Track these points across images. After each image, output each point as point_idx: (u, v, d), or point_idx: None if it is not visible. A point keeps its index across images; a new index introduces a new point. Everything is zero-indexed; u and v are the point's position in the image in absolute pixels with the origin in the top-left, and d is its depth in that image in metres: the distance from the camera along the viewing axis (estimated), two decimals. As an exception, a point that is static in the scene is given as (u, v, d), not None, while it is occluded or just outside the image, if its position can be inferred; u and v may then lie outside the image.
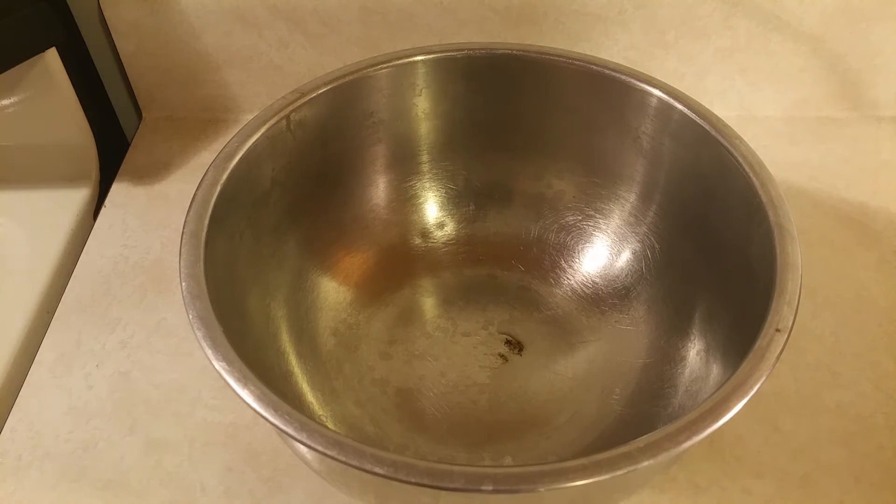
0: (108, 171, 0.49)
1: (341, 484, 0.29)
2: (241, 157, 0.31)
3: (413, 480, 0.22)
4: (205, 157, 0.50)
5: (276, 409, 0.23)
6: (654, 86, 0.34)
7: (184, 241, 0.28)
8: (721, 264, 0.33)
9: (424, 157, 0.40)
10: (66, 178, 0.48)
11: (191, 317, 0.26)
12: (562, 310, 0.39)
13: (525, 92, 0.38)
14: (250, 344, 0.30)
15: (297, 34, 0.48)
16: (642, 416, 0.34)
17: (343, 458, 0.22)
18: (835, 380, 0.37)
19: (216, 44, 0.49)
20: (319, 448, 0.22)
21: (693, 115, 0.33)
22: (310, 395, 0.34)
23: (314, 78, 0.35)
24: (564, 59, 0.36)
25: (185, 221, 0.29)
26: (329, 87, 0.35)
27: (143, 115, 0.53)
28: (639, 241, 0.38)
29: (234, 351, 0.25)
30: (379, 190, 0.40)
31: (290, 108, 0.34)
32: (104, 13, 0.47)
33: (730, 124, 0.32)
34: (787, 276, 0.26)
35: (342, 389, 0.36)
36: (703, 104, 0.33)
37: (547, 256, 0.41)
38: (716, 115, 0.33)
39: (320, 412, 0.34)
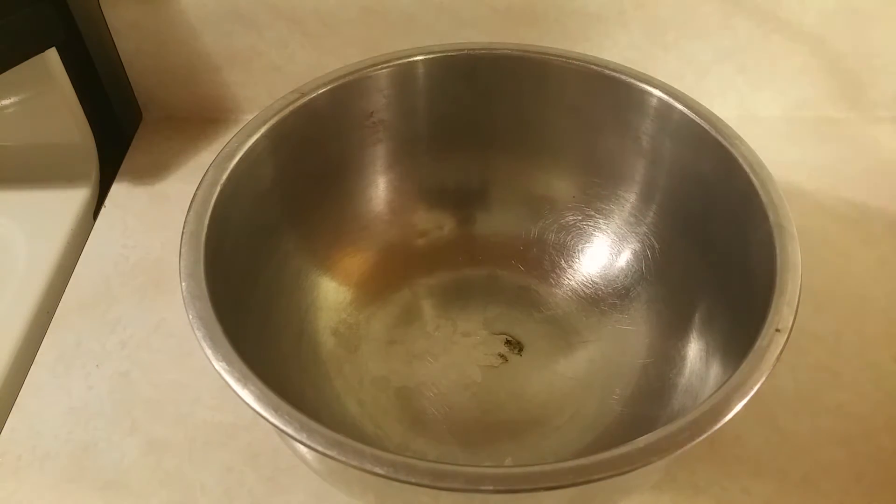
0: (108, 171, 0.49)
1: (341, 484, 0.29)
2: (241, 157, 0.32)
3: (413, 480, 0.22)
4: (205, 157, 0.50)
5: (276, 409, 0.23)
6: (654, 86, 0.34)
7: (184, 241, 0.28)
8: (721, 264, 0.33)
9: (424, 158, 0.40)
10: (66, 178, 0.48)
11: (191, 317, 0.26)
12: (562, 310, 0.39)
13: (525, 92, 0.38)
14: (250, 344, 0.30)
15: (297, 34, 0.48)
16: (642, 416, 0.34)
17: (343, 458, 0.22)
18: (835, 380, 0.37)
19: (216, 44, 0.49)
20: (319, 448, 0.22)
21: (693, 115, 0.33)
22: (310, 395, 0.34)
23: (314, 78, 0.35)
24: (565, 59, 0.36)
25: (185, 221, 0.29)
26: (329, 87, 0.35)
27: (143, 115, 0.53)
28: (639, 241, 0.38)
29: (234, 351, 0.25)
30: (379, 190, 0.40)
31: (291, 108, 0.34)
32: (104, 13, 0.47)
33: (730, 124, 0.32)
34: (787, 276, 0.27)
35: (342, 389, 0.36)
36: (703, 104, 0.33)
37: (547, 256, 0.41)
38: (716, 115, 0.33)
39: (320, 412, 0.34)
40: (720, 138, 0.32)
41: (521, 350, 0.38)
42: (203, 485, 0.34)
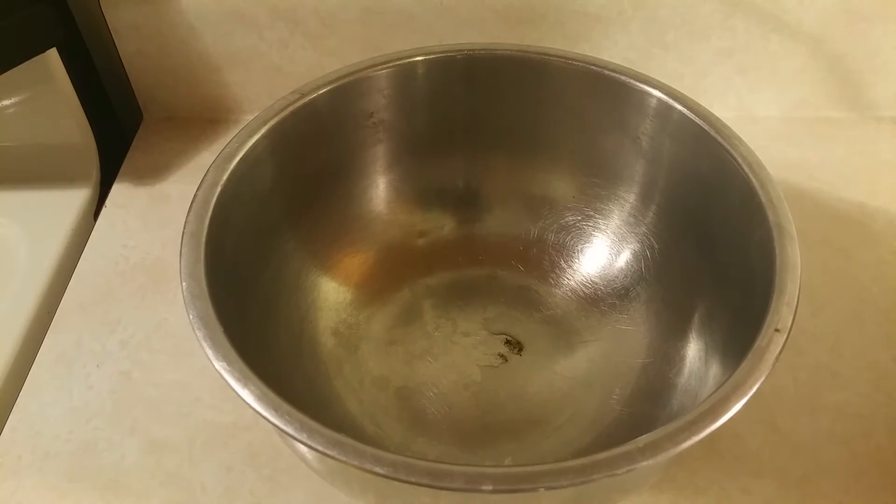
0: (109, 171, 0.49)
1: (341, 484, 0.29)
2: (241, 158, 0.32)
3: (413, 480, 0.22)
4: (205, 157, 0.50)
5: (276, 409, 0.23)
6: (654, 86, 0.34)
7: (184, 241, 0.28)
8: (720, 264, 0.33)
9: (424, 158, 0.40)
10: (66, 179, 0.48)
11: (191, 317, 0.26)
12: (561, 310, 0.39)
13: (525, 92, 0.38)
14: (250, 344, 0.30)
15: (297, 35, 0.48)
16: (642, 416, 0.34)
17: (343, 458, 0.22)
18: (834, 380, 0.37)
19: (216, 44, 0.49)
20: (319, 448, 0.22)
21: (692, 116, 0.33)
22: (310, 395, 0.34)
23: (314, 78, 0.35)
24: (564, 60, 0.36)
25: (185, 222, 0.29)
26: (329, 88, 0.35)
27: (144, 115, 0.53)
28: (638, 242, 0.38)
29: (234, 351, 0.25)
30: (379, 190, 0.40)
31: (291, 108, 0.34)
32: (104, 14, 0.47)
33: (729, 124, 0.32)
34: (787, 277, 0.27)
35: (342, 389, 0.36)
36: (703, 105, 0.33)
37: (547, 256, 0.41)
38: (715, 116, 0.33)
39: (320, 412, 0.34)
40: (719, 138, 0.32)
41: (520, 350, 0.38)
42: (203, 485, 0.34)
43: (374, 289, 0.40)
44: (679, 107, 0.34)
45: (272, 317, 0.34)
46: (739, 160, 0.31)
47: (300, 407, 0.23)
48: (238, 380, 0.24)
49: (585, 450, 0.33)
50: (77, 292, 0.42)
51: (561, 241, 0.41)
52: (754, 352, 0.24)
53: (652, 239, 0.37)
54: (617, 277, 0.39)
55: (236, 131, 0.32)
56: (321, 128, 0.36)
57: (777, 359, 0.24)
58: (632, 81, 0.35)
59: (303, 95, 0.34)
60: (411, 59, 0.37)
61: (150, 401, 0.37)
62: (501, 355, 0.38)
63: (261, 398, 0.24)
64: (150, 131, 0.53)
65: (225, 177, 0.31)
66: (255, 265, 0.34)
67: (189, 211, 0.29)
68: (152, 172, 0.49)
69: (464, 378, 0.37)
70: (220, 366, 0.24)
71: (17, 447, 0.35)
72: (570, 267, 0.40)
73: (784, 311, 0.25)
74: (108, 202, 0.47)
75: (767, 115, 0.52)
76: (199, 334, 0.25)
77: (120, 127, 0.54)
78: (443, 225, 0.42)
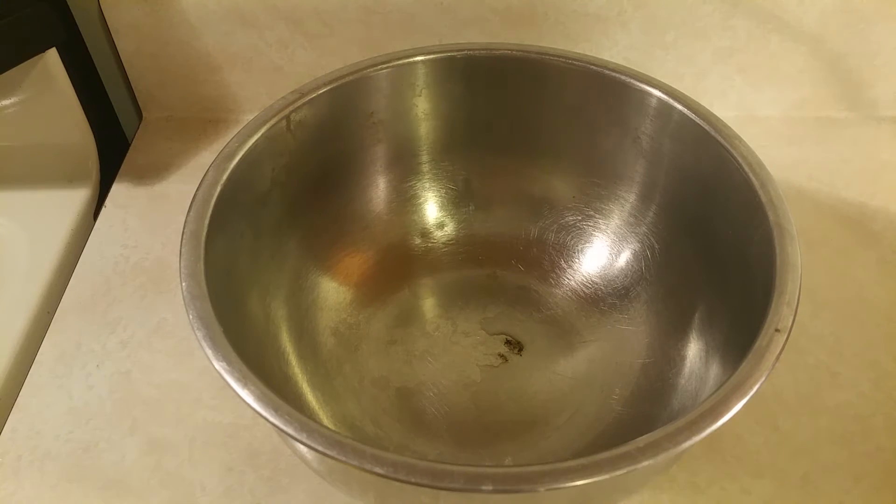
0: (109, 171, 0.49)
1: (341, 484, 0.29)
2: (241, 158, 0.32)
3: (413, 480, 0.22)
4: (205, 157, 0.50)
5: (276, 410, 0.23)
6: (654, 86, 0.34)
7: (184, 241, 0.28)
8: (721, 264, 0.33)
9: (424, 158, 0.40)
10: (66, 179, 0.48)
11: (191, 317, 0.26)
12: (561, 310, 0.39)
13: (525, 92, 0.38)
14: (250, 344, 0.30)
15: (297, 35, 0.48)
16: (642, 416, 0.34)
17: (343, 458, 0.22)
18: (834, 380, 0.37)
19: (216, 44, 0.49)
20: (319, 448, 0.22)
21: (693, 116, 0.33)
22: (310, 395, 0.34)
23: (314, 78, 0.35)
24: (564, 60, 0.36)
25: (185, 221, 0.29)
26: (329, 88, 0.35)
27: (144, 115, 0.53)
28: (638, 242, 0.38)
29: (234, 351, 0.25)
30: (379, 190, 0.40)
31: (290, 108, 0.34)
32: (104, 13, 0.47)
33: (729, 124, 0.32)
34: (787, 276, 0.27)
35: (342, 389, 0.36)
36: (703, 104, 0.33)
37: (547, 256, 0.41)
38: (715, 116, 0.33)
39: (320, 412, 0.34)
40: (720, 138, 0.32)
41: (520, 350, 0.38)
42: (203, 485, 0.34)
43: (374, 289, 0.40)
44: (679, 106, 0.34)
45: (272, 317, 0.34)
46: (740, 160, 0.31)
47: (300, 407, 0.23)
48: (238, 380, 0.24)
49: (586, 450, 0.33)
50: (77, 292, 0.42)
51: (561, 241, 0.41)
52: (755, 352, 0.24)
53: (652, 239, 0.37)
54: (617, 277, 0.39)
55: (236, 131, 0.32)
56: (321, 128, 0.36)
57: (777, 359, 0.24)
58: (632, 81, 0.35)
59: (303, 95, 0.34)
60: (411, 59, 0.37)
61: (150, 401, 0.37)
62: (501, 355, 0.38)
63: (260, 398, 0.23)
64: (150, 131, 0.53)
65: (225, 176, 0.31)
66: (256, 265, 0.34)
67: (189, 210, 0.29)
68: (152, 172, 0.49)
69: (464, 378, 0.37)
70: (219, 366, 0.24)
71: (17, 447, 0.35)
72: (570, 267, 0.40)
73: (784, 311, 0.25)
74: (107, 202, 0.47)
75: (767, 115, 0.52)
76: (199, 334, 0.25)
77: (119, 127, 0.54)
78: (443, 225, 0.42)
